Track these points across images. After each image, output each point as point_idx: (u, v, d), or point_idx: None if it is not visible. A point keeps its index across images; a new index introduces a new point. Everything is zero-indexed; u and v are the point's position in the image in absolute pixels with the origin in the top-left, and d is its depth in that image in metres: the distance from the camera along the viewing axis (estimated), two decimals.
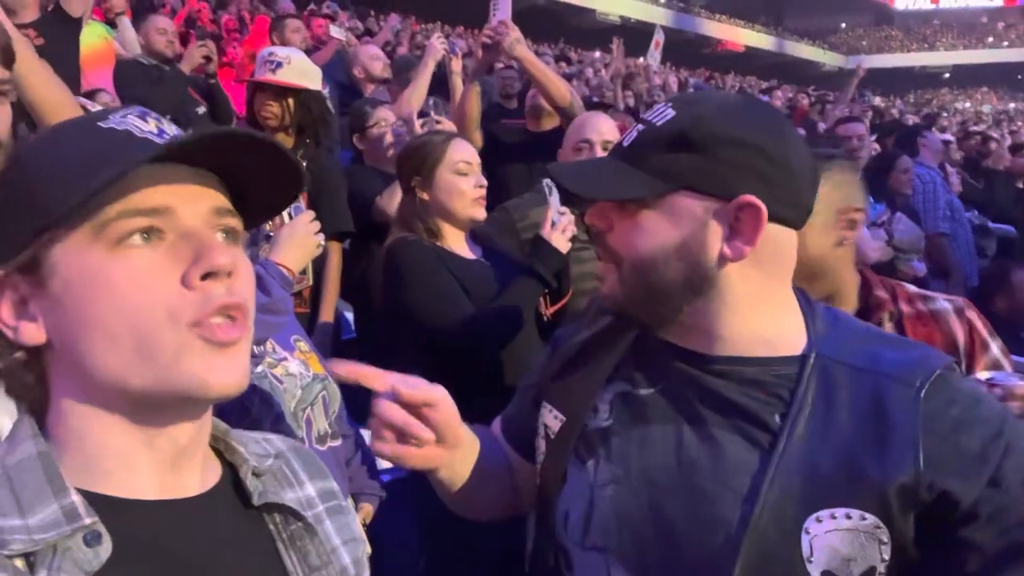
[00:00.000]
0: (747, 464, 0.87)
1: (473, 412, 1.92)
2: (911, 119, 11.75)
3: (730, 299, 0.91)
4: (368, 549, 0.82)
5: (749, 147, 0.87)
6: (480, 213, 2.10)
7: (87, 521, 0.60)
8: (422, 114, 3.31)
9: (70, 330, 0.62)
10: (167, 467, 0.66)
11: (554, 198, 2.17)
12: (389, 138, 3.09)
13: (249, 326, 0.65)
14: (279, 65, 2.74)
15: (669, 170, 0.88)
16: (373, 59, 4.58)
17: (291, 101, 2.73)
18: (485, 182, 2.12)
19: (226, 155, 0.65)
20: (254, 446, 0.75)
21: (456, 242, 2.09)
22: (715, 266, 0.89)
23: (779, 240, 0.90)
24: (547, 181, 2.31)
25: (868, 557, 0.83)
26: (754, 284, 0.91)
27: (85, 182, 0.59)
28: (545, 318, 2.10)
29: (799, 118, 5.33)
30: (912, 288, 1.44)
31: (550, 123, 3.50)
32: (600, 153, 2.33)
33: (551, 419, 1.03)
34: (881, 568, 0.83)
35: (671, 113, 0.90)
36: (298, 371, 1.69)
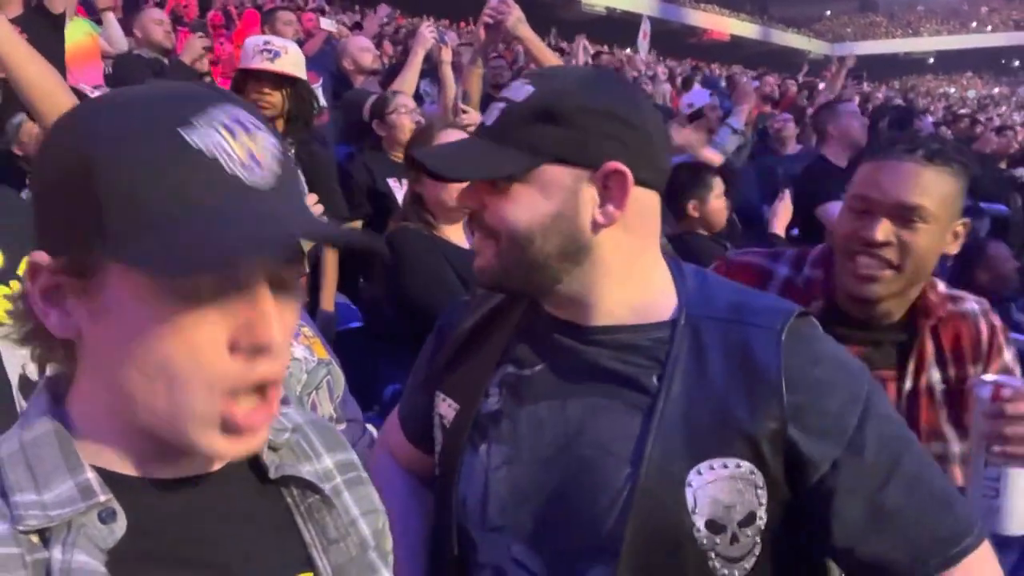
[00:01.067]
0: (626, 428, 0.90)
1: None
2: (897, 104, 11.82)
3: (604, 266, 0.94)
4: (386, 519, 0.82)
5: (610, 116, 0.91)
6: None
7: (102, 498, 0.59)
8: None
9: (107, 352, 0.60)
10: (182, 451, 0.65)
11: None
12: (407, 122, 3.11)
13: (278, 398, 0.63)
14: (277, 55, 2.74)
15: (537, 144, 0.90)
16: (363, 51, 4.59)
17: (288, 91, 2.74)
18: None
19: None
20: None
21: (453, 232, 2.12)
22: (589, 233, 0.92)
23: (644, 203, 0.94)
24: None
25: (747, 502, 0.88)
26: (625, 249, 0.94)
27: (169, 238, 0.54)
28: None
29: (787, 105, 5.37)
30: (942, 287, 1.41)
31: None
32: None
33: (445, 408, 1.04)
34: (760, 512, 0.88)
35: (530, 89, 0.92)
36: (303, 356, 1.71)
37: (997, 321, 1.40)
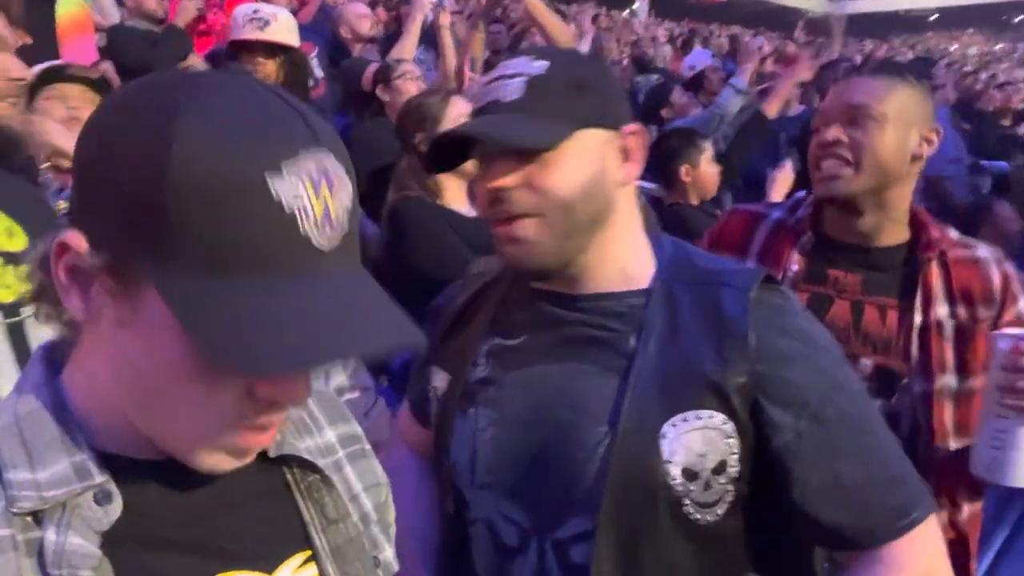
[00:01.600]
0: (602, 389, 0.96)
1: None
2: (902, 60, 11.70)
3: (615, 230, 1.00)
4: (389, 491, 0.81)
5: (616, 82, 1.03)
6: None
7: (98, 479, 0.58)
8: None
9: (121, 356, 0.57)
10: None
11: None
12: (413, 88, 3.06)
13: (283, 419, 0.63)
14: (267, 23, 2.70)
15: (572, 112, 0.95)
16: (360, 18, 4.51)
17: (282, 59, 2.70)
18: None
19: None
20: None
21: (457, 199, 2.11)
22: (613, 194, 0.99)
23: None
24: None
25: (719, 451, 0.93)
26: (630, 212, 1.02)
27: (227, 296, 0.51)
28: None
29: (787, 64, 5.29)
30: (954, 233, 1.47)
31: None
32: None
33: (439, 380, 1.11)
34: (732, 460, 0.93)
35: (546, 63, 0.96)
36: None
37: (1010, 269, 1.43)
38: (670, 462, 0.92)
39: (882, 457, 0.94)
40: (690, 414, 0.93)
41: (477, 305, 1.11)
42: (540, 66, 0.96)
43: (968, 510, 1.37)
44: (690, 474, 0.92)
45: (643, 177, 2.69)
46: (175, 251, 0.51)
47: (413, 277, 2.02)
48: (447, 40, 3.78)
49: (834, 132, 1.39)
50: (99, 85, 2.12)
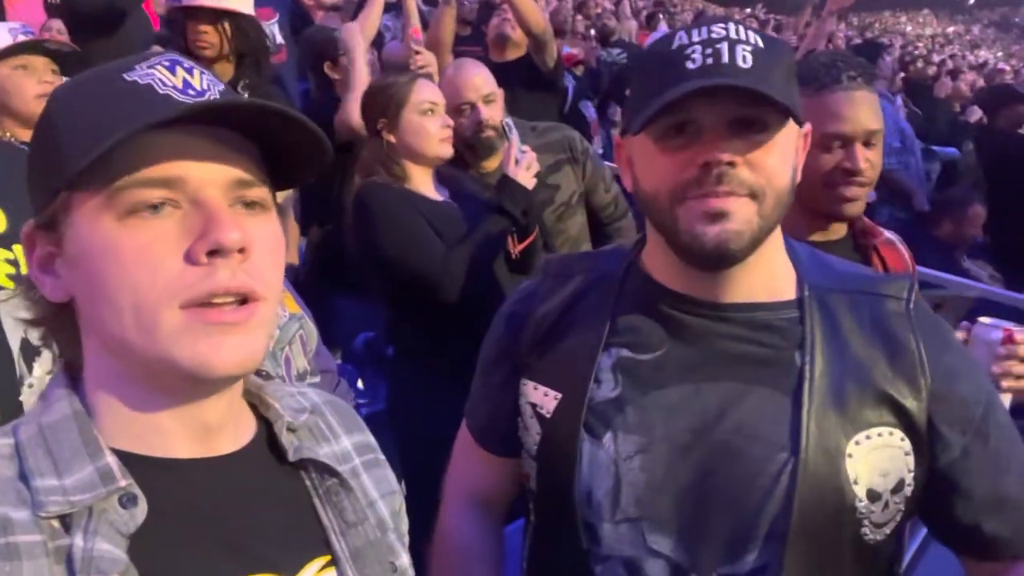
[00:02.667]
0: (774, 411, 0.90)
1: (445, 351, 1.99)
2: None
3: (777, 232, 0.94)
4: (403, 500, 0.82)
5: None
6: (447, 152, 2.11)
7: (122, 483, 0.59)
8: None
9: (84, 295, 0.62)
10: (199, 427, 0.65)
11: (514, 136, 2.19)
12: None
13: (261, 311, 0.62)
14: None
15: (791, 98, 0.88)
16: None
17: (227, 26, 2.57)
18: (451, 122, 2.13)
19: (248, 117, 0.62)
20: (288, 400, 0.74)
21: (424, 184, 2.10)
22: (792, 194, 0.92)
23: None
24: (506, 119, 2.33)
25: (898, 469, 0.91)
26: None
27: (95, 145, 0.57)
28: (513, 256, 2.15)
29: None
30: (866, 219, 1.55)
31: (514, 53, 3.45)
32: (484, 111, 2.29)
33: (540, 397, 0.99)
34: (909, 479, 0.92)
35: (757, 37, 0.88)
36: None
37: (906, 247, 1.56)
38: (856, 483, 0.89)
39: None
40: (872, 431, 0.90)
41: (580, 313, 1.00)
42: (755, 39, 0.88)
43: None
44: (873, 495, 0.90)
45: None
46: (64, 168, 0.59)
47: (381, 262, 2.02)
48: (412, 9, 3.72)
49: (862, 159, 1.39)
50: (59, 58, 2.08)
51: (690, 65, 0.86)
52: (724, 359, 0.93)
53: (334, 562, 0.69)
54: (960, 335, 1.29)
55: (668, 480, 0.92)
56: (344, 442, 0.77)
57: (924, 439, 0.91)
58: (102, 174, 0.58)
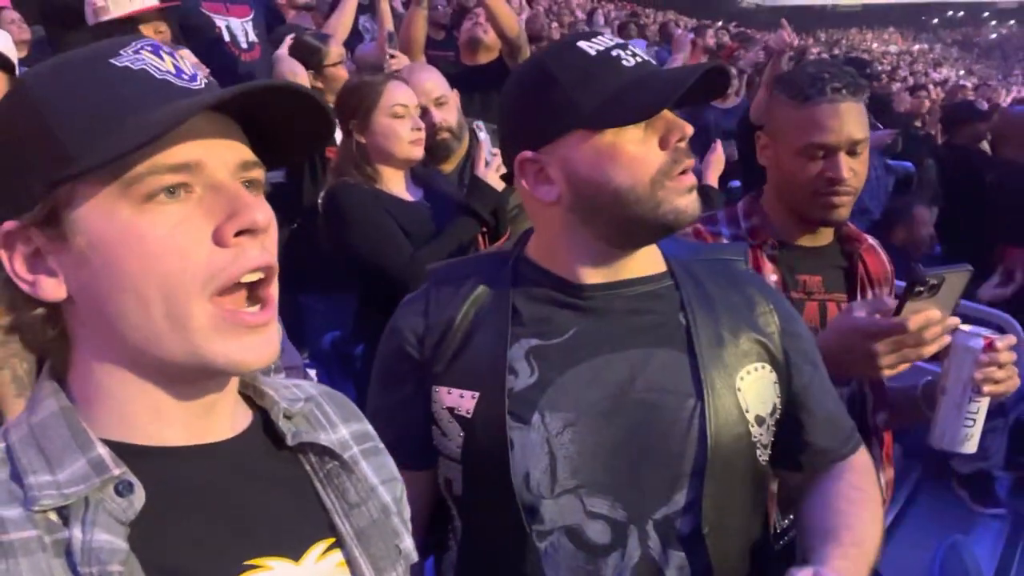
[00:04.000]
0: (674, 364, 1.02)
1: None
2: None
3: None
4: (404, 487, 0.82)
5: None
6: (418, 154, 2.14)
7: (116, 472, 0.59)
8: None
9: (98, 291, 0.59)
10: (196, 415, 0.65)
11: (485, 137, 2.22)
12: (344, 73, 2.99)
13: (275, 298, 0.63)
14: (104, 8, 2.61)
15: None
16: None
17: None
18: (423, 124, 2.16)
19: (250, 101, 0.61)
20: (284, 391, 0.74)
21: (395, 184, 2.12)
22: None
23: None
24: (477, 122, 2.36)
25: (771, 396, 1.06)
26: None
27: (118, 134, 0.56)
28: None
29: (727, 56, 5.43)
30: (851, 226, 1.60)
31: (486, 57, 3.47)
32: (437, 115, 2.31)
33: (456, 399, 1.03)
34: (778, 403, 1.08)
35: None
36: None
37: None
38: (748, 412, 1.02)
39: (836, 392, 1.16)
40: (751, 366, 1.04)
41: (476, 312, 1.05)
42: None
43: (885, 477, 1.54)
44: (760, 420, 1.04)
45: None
46: (72, 159, 0.57)
47: (351, 261, 2.04)
48: (386, 10, 3.73)
49: (846, 168, 1.44)
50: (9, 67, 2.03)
51: (627, 64, 0.98)
52: (625, 330, 1.03)
53: (339, 543, 0.69)
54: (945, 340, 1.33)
55: (599, 446, 0.99)
56: (342, 431, 0.76)
57: (783, 369, 1.08)
58: (113, 163, 0.57)
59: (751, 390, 1.03)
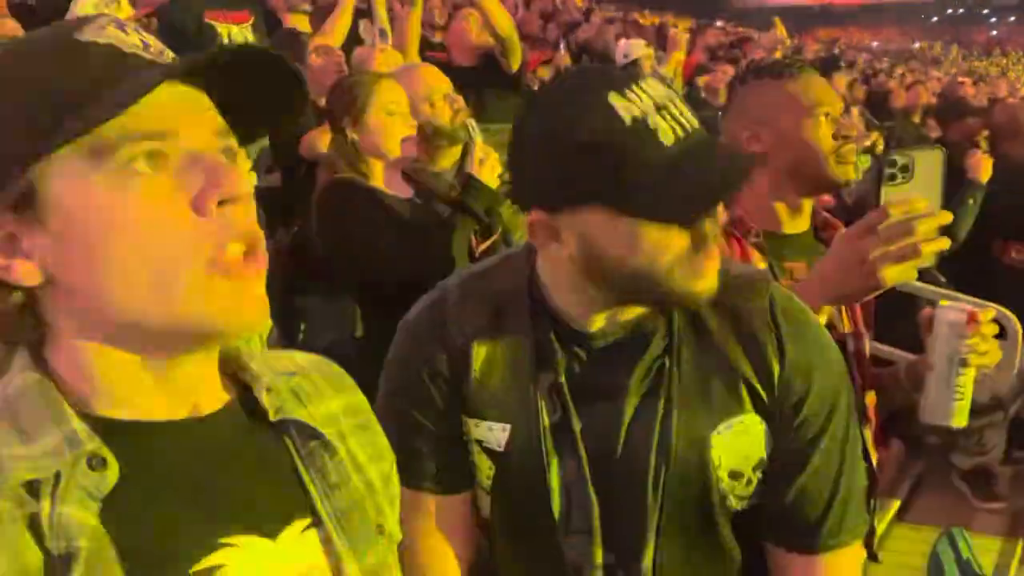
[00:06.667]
0: (650, 412, 0.98)
1: None
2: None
3: None
4: (394, 463, 0.81)
5: None
6: (410, 151, 2.15)
7: (89, 446, 0.58)
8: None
9: (78, 269, 0.58)
10: (177, 390, 0.64)
11: (478, 136, 2.23)
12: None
13: (266, 256, 0.62)
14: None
15: None
16: None
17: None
18: (415, 122, 2.17)
19: (220, 69, 0.60)
20: (273, 362, 0.72)
21: (388, 181, 2.14)
22: None
23: None
24: (469, 120, 2.37)
25: (758, 450, 1.00)
26: None
27: (90, 106, 0.55)
28: (476, 254, 2.18)
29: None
30: (826, 213, 1.61)
31: (478, 55, 3.48)
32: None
33: (484, 432, 1.02)
34: (766, 456, 1.01)
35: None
36: None
37: None
38: (719, 467, 0.98)
39: (857, 472, 1.04)
40: (733, 420, 0.98)
41: (499, 337, 1.02)
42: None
43: (875, 458, 1.52)
44: (735, 474, 0.99)
45: None
46: (42, 133, 0.56)
47: (346, 255, 2.05)
48: (380, 11, 3.74)
49: (851, 123, 1.47)
50: None
51: (664, 141, 0.88)
52: (621, 374, 1.00)
53: (316, 524, 0.69)
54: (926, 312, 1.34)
55: (589, 492, 1.00)
56: (331, 404, 0.74)
57: (778, 423, 0.99)
58: (86, 133, 0.56)
59: (729, 444, 0.98)
